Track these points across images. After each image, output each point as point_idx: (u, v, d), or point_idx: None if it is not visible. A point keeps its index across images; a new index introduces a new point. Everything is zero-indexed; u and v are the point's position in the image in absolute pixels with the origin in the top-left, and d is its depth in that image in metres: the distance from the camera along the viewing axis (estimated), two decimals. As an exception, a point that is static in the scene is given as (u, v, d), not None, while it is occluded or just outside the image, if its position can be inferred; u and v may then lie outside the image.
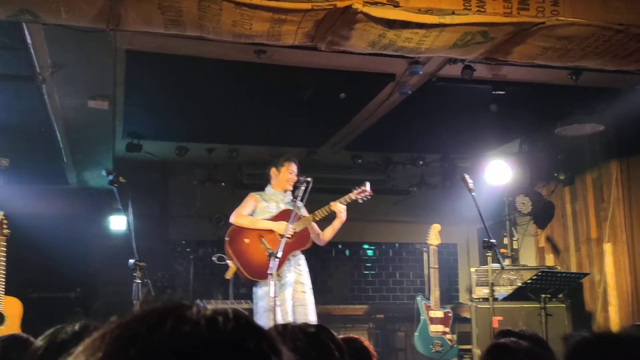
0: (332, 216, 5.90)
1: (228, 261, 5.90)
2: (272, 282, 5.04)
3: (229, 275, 5.96)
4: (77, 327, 1.91)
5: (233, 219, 5.89)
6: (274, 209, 5.88)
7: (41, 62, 5.56)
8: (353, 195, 5.90)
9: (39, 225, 8.38)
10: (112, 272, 8.87)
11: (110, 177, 5.07)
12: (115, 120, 7.48)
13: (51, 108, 6.67)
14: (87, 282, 9.39)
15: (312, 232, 5.97)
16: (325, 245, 6.22)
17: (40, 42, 5.17)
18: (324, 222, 6.02)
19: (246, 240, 5.75)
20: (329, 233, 6.00)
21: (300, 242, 5.79)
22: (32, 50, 5.27)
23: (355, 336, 2.35)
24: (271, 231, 5.72)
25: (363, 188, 5.89)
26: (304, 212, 5.95)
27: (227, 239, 5.86)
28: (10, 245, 6.20)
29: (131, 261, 4.88)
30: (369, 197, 5.94)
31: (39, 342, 1.89)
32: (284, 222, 5.67)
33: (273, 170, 6.02)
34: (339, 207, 5.79)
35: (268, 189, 6.03)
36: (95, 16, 3.73)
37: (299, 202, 5.78)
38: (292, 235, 5.67)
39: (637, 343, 1.44)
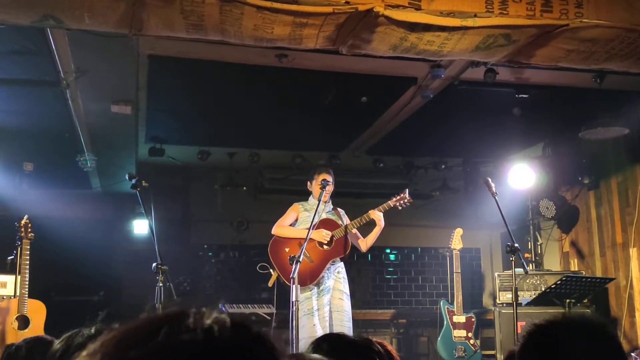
0: (371, 222, 5.99)
1: (270, 270, 6.03)
2: (292, 286, 5.10)
3: (271, 283, 6.09)
4: (93, 330, 1.93)
5: (274, 229, 6.08)
6: (315, 218, 5.96)
7: (65, 68, 5.62)
8: (392, 202, 6.00)
9: (62, 229, 8.45)
10: (135, 275, 8.92)
11: (133, 182, 5.09)
12: (138, 124, 7.53)
13: (75, 113, 6.73)
14: (110, 286, 9.45)
15: (354, 240, 6.07)
16: (366, 251, 6.36)
17: (64, 47, 5.22)
18: (366, 229, 6.11)
19: (286, 249, 5.89)
20: (369, 240, 6.12)
21: (337, 250, 5.94)
22: (55, 56, 5.33)
23: (379, 340, 2.34)
24: (311, 239, 5.79)
25: (402, 195, 6.01)
26: (345, 220, 6.04)
27: (268, 248, 6.05)
28: (34, 249, 6.26)
29: (153, 265, 4.90)
30: (409, 203, 6.01)
31: (57, 345, 1.91)
32: (323, 230, 5.87)
33: (308, 184, 6.20)
34: (377, 215, 5.86)
35: (310, 199, 6.19)
36: (118, 21, 3.75)
37: (340, 210, 6.14)
38: (329, 243, 5.87)
39: (589, 325, 1.43)
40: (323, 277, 5.85)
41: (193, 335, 0.77)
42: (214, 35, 3.95)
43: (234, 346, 0.78)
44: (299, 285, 5.52)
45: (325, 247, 5.87)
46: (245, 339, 0.80)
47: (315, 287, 5.82)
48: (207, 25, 3.79)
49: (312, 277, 5.78)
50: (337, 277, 5.95)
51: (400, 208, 6.03)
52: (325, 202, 6.05)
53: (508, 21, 3.87)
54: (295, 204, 6.19)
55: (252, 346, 0.79)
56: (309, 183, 6.17)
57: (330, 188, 5.96)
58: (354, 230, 6.06)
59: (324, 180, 5.87)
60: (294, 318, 5.16)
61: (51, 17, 3.68)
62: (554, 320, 1.44)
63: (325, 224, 5.95)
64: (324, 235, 5.84)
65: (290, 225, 6.11)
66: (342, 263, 6.03)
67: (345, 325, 5.79)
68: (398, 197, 6.00)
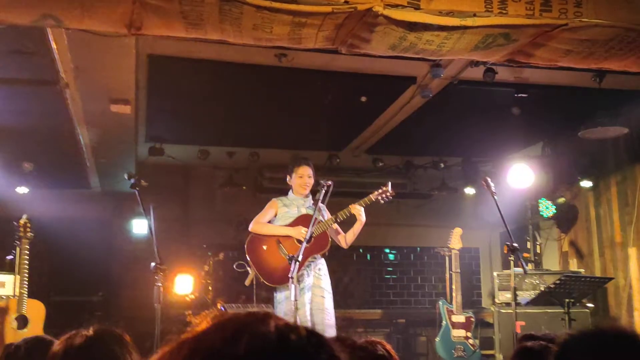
0: (353, 219, 5.82)
1: (248, 268, 5.90)
2: (292, 286, 5.01)
3: (248, 282, 5.98)
4: (91, 331, 1.93)
5: (251, 226, 5.87)
6: (294, 213, 5.85)
7: (64, 67, 5.61)
8: (373, 196, 5.79)
9: (61, 229, 8.45)
10: (134, 275, 8.91)
11: (132, 181, 5.08)
12: (137, 124, 7.53)
13: (74, 112, 6.72)
14: (109, 286, 9.45)
15: (334, 236, 5.92)
16: (347, 248, 6.11)
17: (63, 46, 5.22)
18: (347, 226, 5.96)
19: (264, 247, 5.73)
20: (350, 236, 5.89)
21: (318, 246, 5.71)
22: (55, 55, 5.32)
23: (378, 340, 2.34)
24: (289, 237, 5.69)
25: (384, 188, 5.81)
26: (326, 215, 5.91)
27: (245, 246, 5.84)
28: (34, 249, 6.25)
29: (152, 264, 4.90)
30: (391, 197, 5.84)
31: (56, 347, 1.91)
32: (301, 227, 5.64)
33: (288, 178, 5.99)
34: (358, 209, 5.72)
35: (290, 193, 5.99)
36: (117, 21, 3.75)
37: (321, 204, 5.69)
38: (308, 240, 5.62)
39: (624, 339, 1.43)
40: (302, 274, 5.60)
41: (269, 343, 0.80)
42: (214, 35, 3.94)
43: (308, 355, 0.81)
44: (278, 285, 5.44)
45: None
46: (317, 348, 0.82)
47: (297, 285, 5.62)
48: (206, 25, 3.79)
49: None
50: (317, 274, 5.72)
51: (382, 202, 5.83)
52: (306, 196, 5.90)
53: (507, 21, 3.87)
54: (273, 200, 5.97)
55: (325, 355, 0.82)
56: (288, 177, 5.95)
57: (312, 181, 5.85)
58: (335, 226, 5.84)
59: (326, 184, 5.62)
60: (295, 317, 5.09)
61: (50, 17, 3.68)
62: (589, 331, 1.44)
63: (304, 220, 5.70)
64: (302, 233, 5.56)
65: (269, 221, 5.88)
66: (322, 260, 5.82)
67: (327, 324, 5.58)
68: (380, 191, 5.79)
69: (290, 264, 5.07)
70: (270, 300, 7.35)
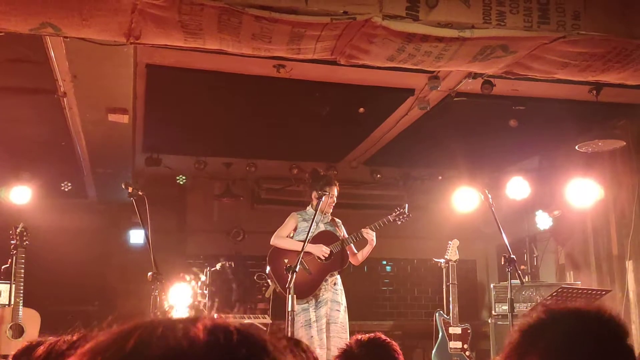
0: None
1: (268, 280, 6.02)
2: (289, 297, 5.05)
3: (268, 294, 6.08)
4: (74, 337, 1.95)
5: (273, 240, 6.03)
6: (313, 228, 5.92)
7: (62, 76, 5.61)
8: (391, 217, 6.03)
9: (58, 238, 8.42)
10: (130, 285, 8.87)
11: (129, 190, 5.07)
12: (135, 134, 7.52)
13: (71, 121, 6.71)
14: (105, 296, 9.40)
15: (349, 252, 6.12)
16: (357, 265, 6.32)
17: (61, 55, 5.21)
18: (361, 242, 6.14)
19: (286, 260, 5.81)
20: (361, 256, 6.12)
21: (336, 263, 5.96)
22: (54, 64, 5.32)
23: (378, 334, 2.51)
24: (310, 253, 5.79)
25: (402, 210, 6.01)
26: (342, 229, 6.16)
27: (267, 258, 6.01)
28: (29, 258, 6.23)
29: (149, 274, 4.88)
30: (408, 219, 6.03)
31: (40, 350, 1.93)
32: (322, 245, 5.87)
33: (314, 194, 6.04)
34: (370, 236, 5.91)
35: (309, 209, 6.11)
36: (116, 29, 3.76)
37: (337, 219, 6.12)
38: (328, 257, 5.88)
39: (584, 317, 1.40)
40: (320, 289, 5.85)
41: (164, 345, 0.76)
42: (212, 44, 3.95)
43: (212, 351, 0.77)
44: (295, 296, 5.49)
45: (324, 260, 5.87)
46: (223, 345, 0.78)
47: (313, 299, 5.81)
48: (205, 34, 3.80)
49: (310, 290, 5.77)
50: (334, 290, 5.95)
51: (399, 223, 6.06)
52: (325, 213, 6.02)
53: (505, 33, 3.89)
54: (293, 214, 6.14)
55: (252, 351, 0.78)
56: (315, 193, 6.01)
57: (331, 200, 5.96)
58: (350, 245, 6.08)
59: (321, 192, 5.77)
60: (291, 326, 5.13)
61: (49, 25, 3.68)
62: (568, 309, 1.40)
63: (324, 238, 5.93)
64: (323, 251, 5.85)
65: (289, 235, 6.08)
66: (338, 275, 6.05)
67: (342, 337, 5.76)
68: (397, 213, 6.06)
69: (287, 273, 5.12)
70: (265, 311, 7.39)
